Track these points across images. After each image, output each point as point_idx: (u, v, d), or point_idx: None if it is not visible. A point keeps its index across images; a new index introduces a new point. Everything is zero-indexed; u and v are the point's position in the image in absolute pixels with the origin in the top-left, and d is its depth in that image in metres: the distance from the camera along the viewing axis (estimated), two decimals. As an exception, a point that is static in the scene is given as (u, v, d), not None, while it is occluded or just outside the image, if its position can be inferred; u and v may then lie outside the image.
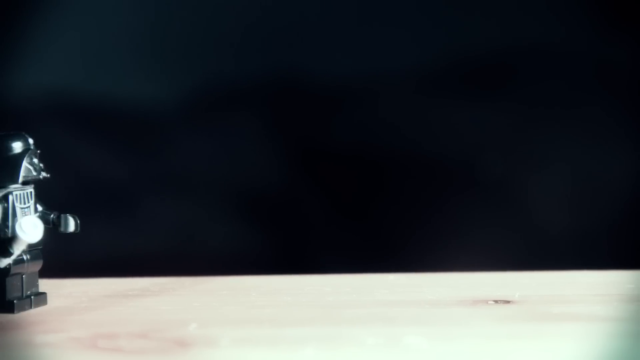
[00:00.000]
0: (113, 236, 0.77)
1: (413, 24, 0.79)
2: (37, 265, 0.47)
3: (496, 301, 0.46)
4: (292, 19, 0.79)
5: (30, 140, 0.46)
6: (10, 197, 0.45)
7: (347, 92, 0.78)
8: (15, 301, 0.45)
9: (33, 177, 0.46)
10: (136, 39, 0.79)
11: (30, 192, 0.46)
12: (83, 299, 0.49)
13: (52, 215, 0.47)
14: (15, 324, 0.42)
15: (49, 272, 0.59)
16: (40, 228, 0.44)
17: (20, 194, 0.45)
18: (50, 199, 0.77)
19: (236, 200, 0.75)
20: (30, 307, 0.46)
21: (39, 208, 0.47)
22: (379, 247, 0.80)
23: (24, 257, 0.46)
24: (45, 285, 0.55)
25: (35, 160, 0.46)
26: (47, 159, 0.78)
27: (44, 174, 0.46)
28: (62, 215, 0.47)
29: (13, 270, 0.45)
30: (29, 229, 0.44)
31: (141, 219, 0.78)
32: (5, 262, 0.45)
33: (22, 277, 0.46)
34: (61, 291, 0.52)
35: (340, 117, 0.78)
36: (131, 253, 0.76)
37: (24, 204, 0.46)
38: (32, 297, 0.46)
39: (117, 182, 0.78)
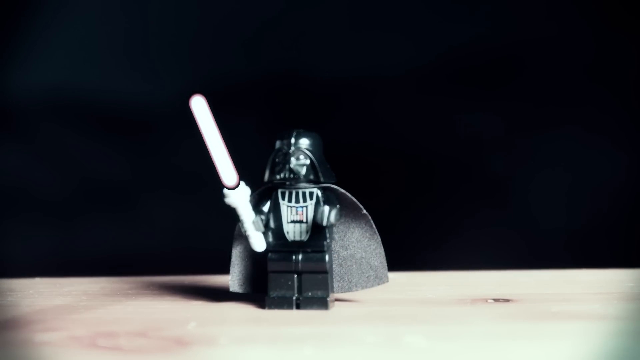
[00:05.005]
0: (112, 235, 0.77)
1: (413, 24, 0.79)
2: None
3: (496, 300, 0.46)
4: (292, 19, 0.79)
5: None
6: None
7: (346, 91, 0.78)
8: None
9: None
10: (136, 39, 0.79)
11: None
12: (82, 297, 0.49)
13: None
14: (15, 323, 0.42)
15: (48, 271, 0.59)
16: None
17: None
18: (50, 197, 0.77)
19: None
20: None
21: None
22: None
23: None
24: (44, 284, 0.55)
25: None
26: (47, 159, 0.78)
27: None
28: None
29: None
30: None
31: (141, 218, 0.78)
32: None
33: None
34: (60, 290, 0.52)
35: (339, 117, 0.78)
36: (130, 252, 0.76)
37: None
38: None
39: (117, 182, 0.78)
